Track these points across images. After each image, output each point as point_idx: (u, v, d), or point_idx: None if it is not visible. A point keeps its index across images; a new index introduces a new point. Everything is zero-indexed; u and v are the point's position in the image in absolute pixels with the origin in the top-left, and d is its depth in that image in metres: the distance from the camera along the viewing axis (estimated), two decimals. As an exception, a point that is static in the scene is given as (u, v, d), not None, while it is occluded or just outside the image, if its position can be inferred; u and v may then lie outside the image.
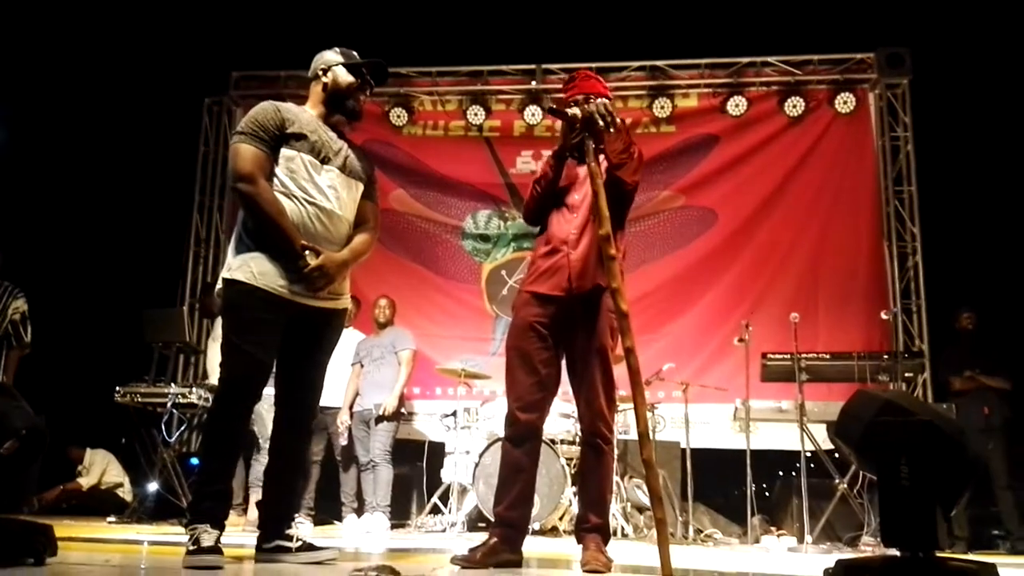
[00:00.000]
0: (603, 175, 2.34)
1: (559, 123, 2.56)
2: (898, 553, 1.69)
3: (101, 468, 6.34)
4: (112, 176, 7.16)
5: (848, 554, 3.97)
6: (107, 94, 7.06)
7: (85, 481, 6.29)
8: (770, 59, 6.53)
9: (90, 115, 7.08)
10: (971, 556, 4.27)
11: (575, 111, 2.41)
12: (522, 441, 2.45)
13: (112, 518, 5.01)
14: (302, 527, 4.71)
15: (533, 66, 6.73)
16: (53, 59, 6.93)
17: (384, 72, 2.55)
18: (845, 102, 6.36)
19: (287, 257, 2.27)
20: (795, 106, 6.41)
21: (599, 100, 2.43)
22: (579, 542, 2.49)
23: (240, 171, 2.26)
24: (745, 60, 6.55)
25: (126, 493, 6.27)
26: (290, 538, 2.32)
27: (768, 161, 6.46)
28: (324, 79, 2.46)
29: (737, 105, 6.46)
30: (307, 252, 2.28)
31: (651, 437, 2.02)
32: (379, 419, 5.06)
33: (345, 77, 2.44)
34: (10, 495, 1.92)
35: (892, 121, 6.41)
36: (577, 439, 4.78)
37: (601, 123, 2.34)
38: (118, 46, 7.02)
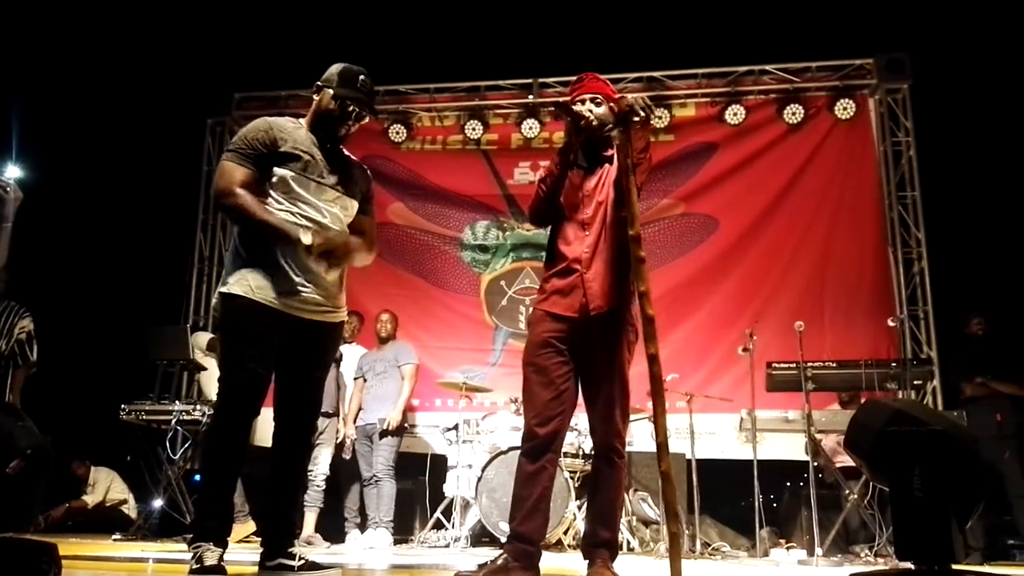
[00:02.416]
0: (617, 173, 2.23)
1: (565, 126, 2.46)
2: (912, 567, 1.65)
3: (105, 485, 6.34)
4: (117, 196, 7.20)
5: (860, 567, 3.91)
6: (111, 115, 7.11)
7: (90, 499, 6.29)
8: (768, 67, 6.52)
9: (94, 136, 7.12)
10: (987, 567, 4.21)
11: (581, 109, 2.30)
12: (539, 456, 2.38)
13: (117, 535, 4.99)
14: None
15: (530, 80, 6.74)
16: (57, 81, 6.98)
17: (371, 107, 2.45)
18: (845, 108, 6.34)
19: (287, 253, 2.23)
20: (794, 113, 6.39)
21: (637, 94, 2.28)
22: (586, 557, 2.44)
23: (218, 189, 2.28)
24: (742, 69, 6.54)
25: (131, 510, 6.27)
26: (292, 556, 2.29)
27: (768, 168, 6.44)
28: (316, 96, 2.44)
29: (735, 114, 6.45)
30: (306, 232, 2.25)
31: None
32: (383, 433, 5.04)
33: (328, 103, 2.39)
34: (16, 515, 1.90)
35: (893, 126, 6.38)
36: (580, 452, 4.74)
37: (643, 115, 2.16)
38: (122, 68, 7.08)
